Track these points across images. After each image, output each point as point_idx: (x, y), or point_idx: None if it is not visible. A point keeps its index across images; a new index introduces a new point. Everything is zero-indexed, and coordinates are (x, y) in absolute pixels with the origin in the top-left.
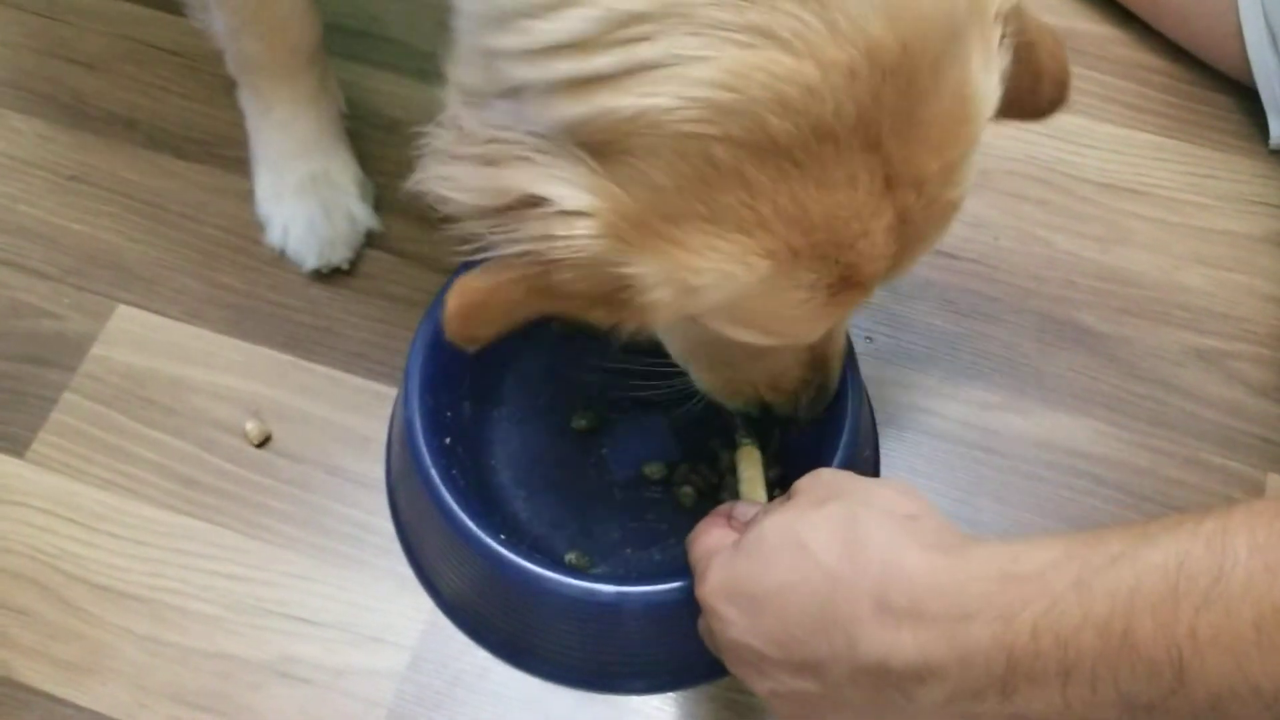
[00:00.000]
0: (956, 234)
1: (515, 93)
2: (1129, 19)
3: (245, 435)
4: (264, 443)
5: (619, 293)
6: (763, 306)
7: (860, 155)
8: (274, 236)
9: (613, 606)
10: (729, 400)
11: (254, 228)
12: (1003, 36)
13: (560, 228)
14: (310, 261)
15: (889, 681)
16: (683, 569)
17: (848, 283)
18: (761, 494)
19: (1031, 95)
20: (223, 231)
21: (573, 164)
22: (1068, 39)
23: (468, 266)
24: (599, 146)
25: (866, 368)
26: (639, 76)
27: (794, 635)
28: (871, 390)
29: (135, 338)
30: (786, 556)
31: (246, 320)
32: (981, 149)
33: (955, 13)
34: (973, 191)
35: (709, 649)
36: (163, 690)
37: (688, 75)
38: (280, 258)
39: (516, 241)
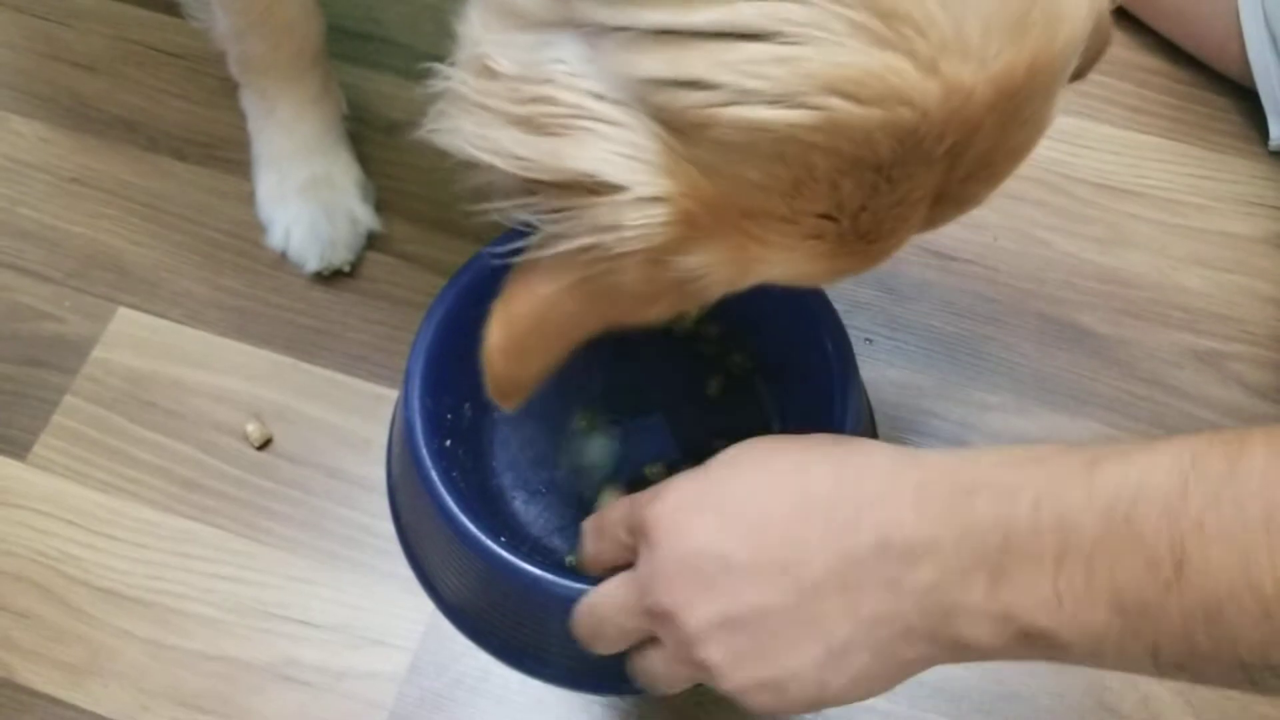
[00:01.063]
0: (955, 235)
1: (585, 35)
2: (1127, 19)
3: (246, 438)
4: (265, 445)
5: (681, 282)
6: (794, 278)
7: (939, 174)
8: (275, 239)
9: None
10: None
11: (255, 230)
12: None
13: (632, 216)
14: (312, 264)
15: (882, 566)
16: None
17: (866, 264)
18: None
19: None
20: (224, 234)
21: (649, 140)
22: None
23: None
24: (683, 124)
25: (866, 369)
26: (741, 46)
27: (777, 526)
28: (871, 392)
29: (136, 340)
30: (777, 461)
31: (248, 322)
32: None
33: (1082, 35)
34: None
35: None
36: (164, 692)
37: (800, 65)
38: (281, 260)
39: (574, 234)
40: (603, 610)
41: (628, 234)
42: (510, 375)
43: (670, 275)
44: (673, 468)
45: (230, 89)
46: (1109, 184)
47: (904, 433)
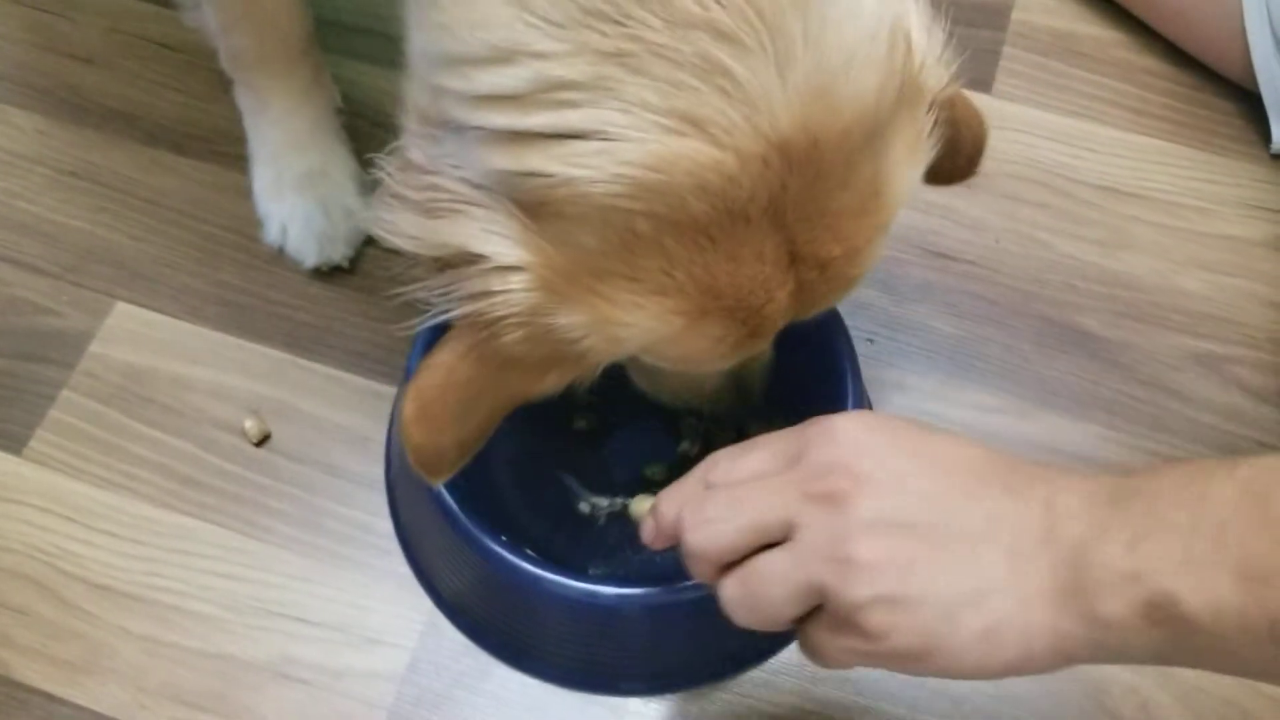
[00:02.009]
0: (957, 237)
1: (458, 132)
2: (1130, 21)
3: (244, 434)
4: (263, 442)
5: (560, 347)
6: (677, 350)
7: (769, 234)
8: (272, 234)
9: (613, 608)
10: (666, 400)
11: (254, 225)
12: (934, 124)
13: (496, 283)
14: (310, 259)
15: (1044, 519)
16: (681, 571)
17: (752, 334)
18: None
19: (946, 165)
20: (222, 229)
21: (506, 219)
22: (1069, 42)
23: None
24: (531, 204)
25: (867, 370)
26: (568, 143)
27: (949, 462)
28: (872, 393)
29: (134, 335)
30: (928, 428)
31: (246, 318)
32: (891, 231)
33: (877, 111)
34: (973, 194)
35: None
36: (161, 690)
37: (616, 153)
38: (280, 255)
39: (458, 300)
40: (753, 508)
41: (496, 299)
42: (428, 444)
43: (549, 340)
44: (672, 468)
45: (228, 83)
46: (1111, 186)
47: None
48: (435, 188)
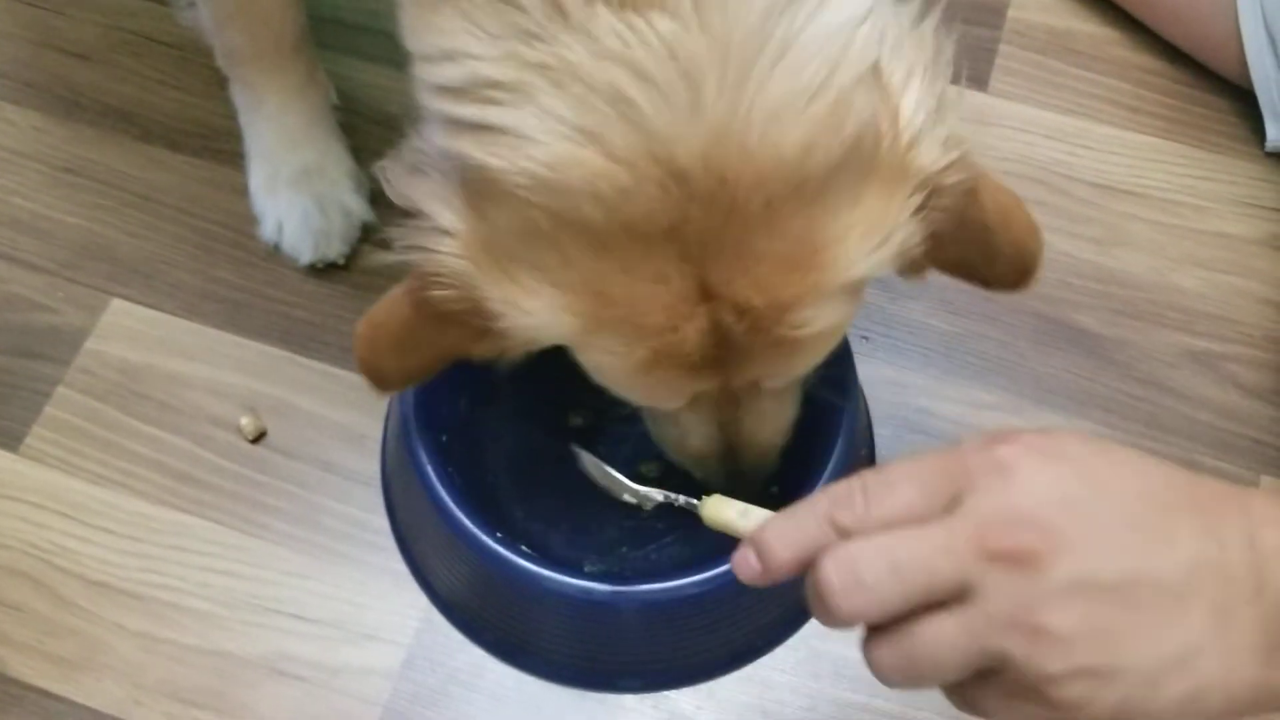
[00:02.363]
0: None
1: (427, 115)
2: (1126, 20)
3: (240, 431)
4: (259, 439)
5: (483, 317)
6: (591, 359)
7: (672, 261)
8: (268, 231)
9: (609, 605)
10: (666, 451)
11: (249, 222)
12: (925, 207)
13: (431, 242)
14: (305, 256)
15: (1248, 561)
16: (677, 567)
17: (663, 363)
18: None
19: (985, 270)
20: (218, 225)
21: (452, 190)
22: (1065, 39)
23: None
24: (470, 182)
25: (862, 367)
26: (491, 135)
27: (1140, 501)
28: (867, 389)
29: (129, 332)
30: (1108, 445)
31: (242, 315)
32: (840, 302)
33: (804, 166)
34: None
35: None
36: (157, 687)
37: (525, 151)
38: (276, 252)
39: (406, 245)
40: (919, 570)
41: (429, 255)
42: (372, 364)
43: (476, 309)
44: (668, 466)
45: (224, 80)
46: (1107, 184)
47: (899, 431)
48: (419, 151)
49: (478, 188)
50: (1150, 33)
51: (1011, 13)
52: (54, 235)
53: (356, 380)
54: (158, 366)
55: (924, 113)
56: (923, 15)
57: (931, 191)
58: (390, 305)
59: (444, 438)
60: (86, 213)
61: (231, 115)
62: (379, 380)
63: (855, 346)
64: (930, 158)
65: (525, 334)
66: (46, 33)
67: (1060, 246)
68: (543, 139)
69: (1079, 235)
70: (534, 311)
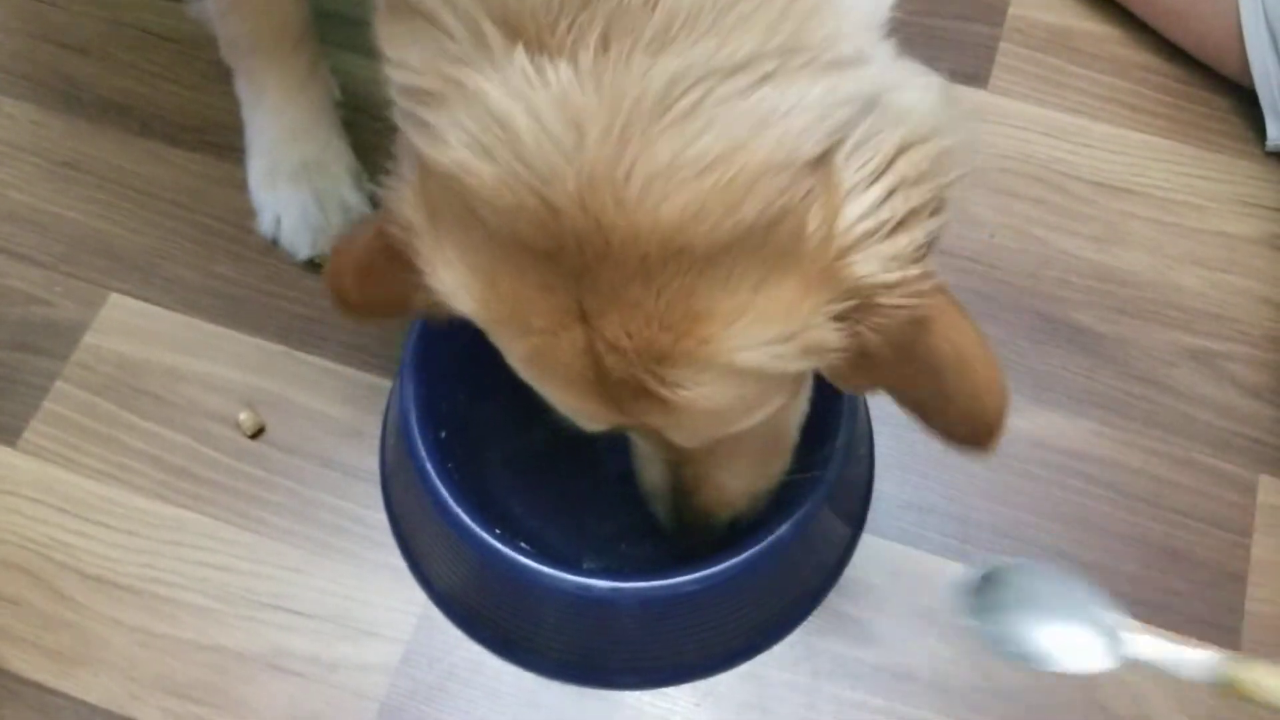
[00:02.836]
0: (952, 231)
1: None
2: (1127, 18)
3: (238, 426)
4: (257, 434)
5: (418, 270)
6: (497, 345)
7: (557, 276)
8: (266, 225)
9: (607, 601)
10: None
11: (248, 216)
12: (851, 318)
13: (394, 182)
14: (303, 251)
15: None
16: (676, 564)
17: (551, 368)
18: None
19: (938, 416)
20: (216, 220)
21: (412, 166)
22: (1065, 38)
23: None
24: (419, 158)
25: None
26: (423, 129)
27: None
28: None
29: (127, 327)
30: None
31: (240, 310)
32: (732, 382)
33: (688, 235)
34: (968, 189)
35: None
36: (154, 682)
37: (441, 149)
38: (274, 247)
39: (385, 187)
40: None
41: (389, 211)
42: (336, 282)
43: (414, 258)
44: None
45: (223, 74)
46: (1106, 182)
47: (899, 428)
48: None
49: (418, 154)
50: (1151, 31)
51: (1012, 10)
52: (52, 229)
53: (356, 376)
54: (156, 361)
55: (869, 223)
56: (937, 127)
57: (861, 305)
58: (360, 232)
59: (443, 434)
60: (84, 207)
61: (230, 110)
62: (343, 302)
63: None
64: (866, 270)
65: (443, 298)
66: (45, 26)
67: (1059, 244)
68: (452, 142)
69: (1078, 233)
70: (447, 281)
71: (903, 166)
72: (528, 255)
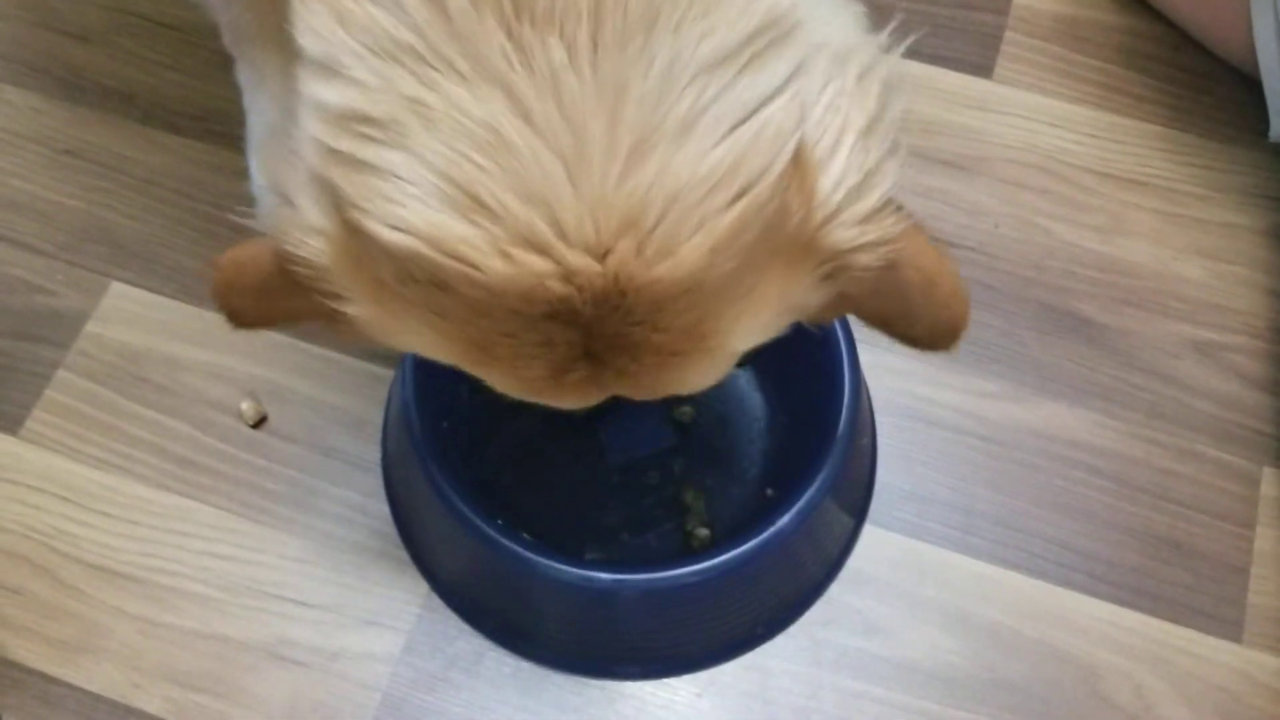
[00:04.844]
0: (956, 222)
1: (302, 116)
2: (1132, 7)
3: (240, 415)
4: (259, 423)
5: (341, 315)
6: (460, 366)
7: (558, 330)
8: (267, 214)
9: (609, 592)
10: None
11: (250, 205)
12: (831, 276)
13: (299, 231)
14: None
15: None
16: (678, 555)
17: (546, 396)
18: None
19: (904, 329)
20: (218, 209)
21: (325, 198)
22: (1071, 27)
23: None
24: (343, 205)
25: (865, 355)
26: (365, 174)
27: None
28: (869, 378)
29: (129, 315)
30: None
31: None
32: (724, 360)
33: (706, 270)
34: (972, 179)
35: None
36: (157, 670)
37: (399, 210)
38: None
39: (274, 224)
40: None
41: (292, 243)
42: (226, 299)
43: (332, 301)
44: (666, 454)
45: (225, 62)
46: (1111, 173)
47: (902, 419)
48: (292, 145)
49: (346, 215)
50: (1156, 20)
51: None
52: (54, 218)
53: (357, 365)
54: (158, 350)
55: (844, 190)
56: (871, 63)
57: (841, 266)
58: (254, 253)
59: (445, 424)
60: (86, 195)
61: (232, 98)
62: (233, 315)
63: (858, 334)
64: (844, 236)
65: (391, 345)
66: (47, 14)
67: (1063, 235)
68: (417, 195)
69: (1082, 224)
70: (406, 340)
71: (857, 119)
72: (522, 320)
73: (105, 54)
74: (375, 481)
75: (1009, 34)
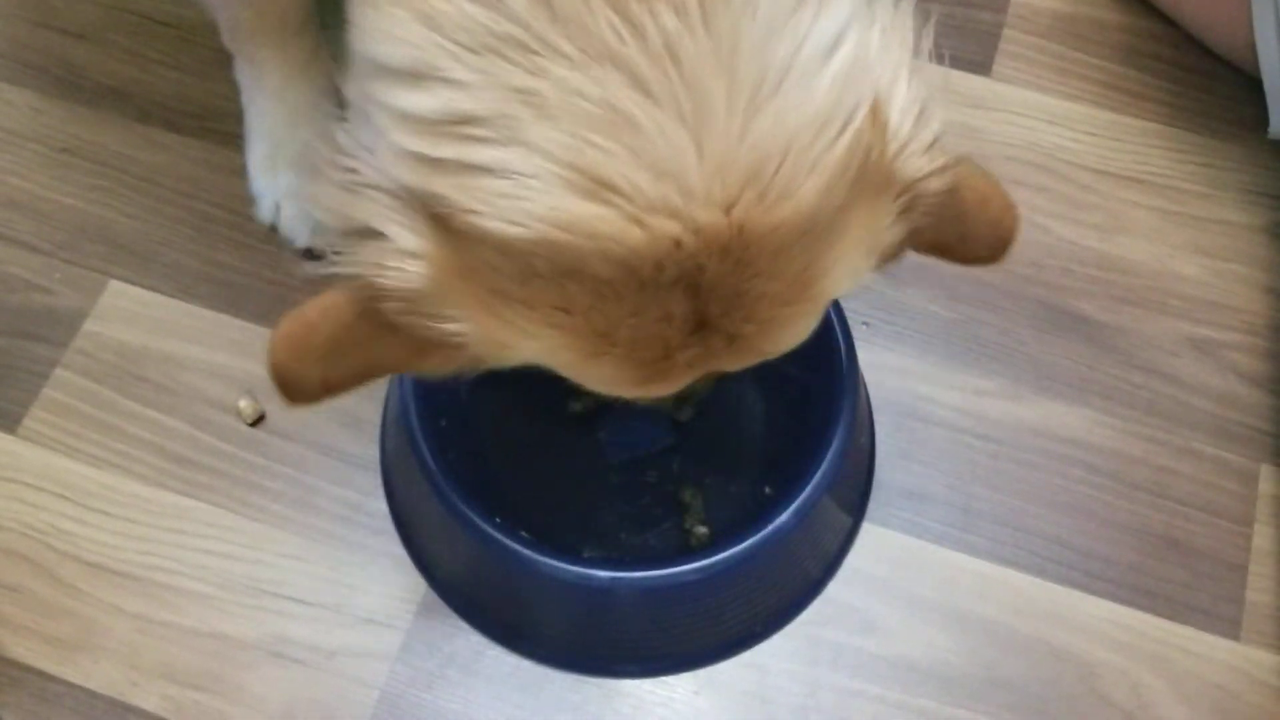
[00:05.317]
0: None
1: (378, 134)
2: (1131, 4)
3: (239, 414)
4: (258, 421)
5: (444, 339)
6: (567, 373)
7: (679, 301)
8: (265, 212)
9: (607, 590)
10: None
11: (248, 203)
12: (906, 210)
13: (393, 261)
14: (302, 239)
15: None
16: (676, 553)
17: (648, 382)
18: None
19: (960, 250)
20: (216, 207)
21: (414, 214)
22: (1069, 24)
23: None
24: (442, 216)
25: (863, 353)
26: (475, 177)
27: None
28: (868, 376)
29: (127, 314)
30: None
31: (240, 297)
32: (820, 312)
33: (819, 211)
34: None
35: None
36: (154, 669)
37: (520, 202)
38: (275, 234)
39: (353, 264)
40: None
41: (388, 275)
42: (292, 367)
43: (432, 330)
44: (665, 453)
45: (223, 60)
46: (1109, 170)
47: (900, 417)
48: (352, 170)
49: (454, 224)
50: (1155, 18)
51: None
52: (51, 216)
53: None
54: (156, 348)
55: (910, 121)
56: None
57: (914, 199)
58: (326, 307)
59: (443, 422)
60: (84, 193)
61: (230, 96)
62: (293, 387)
63: (856, 333)
64: (914, 166)
65: (496, 361)
66: (44, 12)
67: (1062, 233)
68: (540, 187)
69: (1081, 221)
70: (521, 346)
71: (905, 53)
72: (649, 293)
73: (103, 52)
74: (374, 480)
75: (1007, 31)
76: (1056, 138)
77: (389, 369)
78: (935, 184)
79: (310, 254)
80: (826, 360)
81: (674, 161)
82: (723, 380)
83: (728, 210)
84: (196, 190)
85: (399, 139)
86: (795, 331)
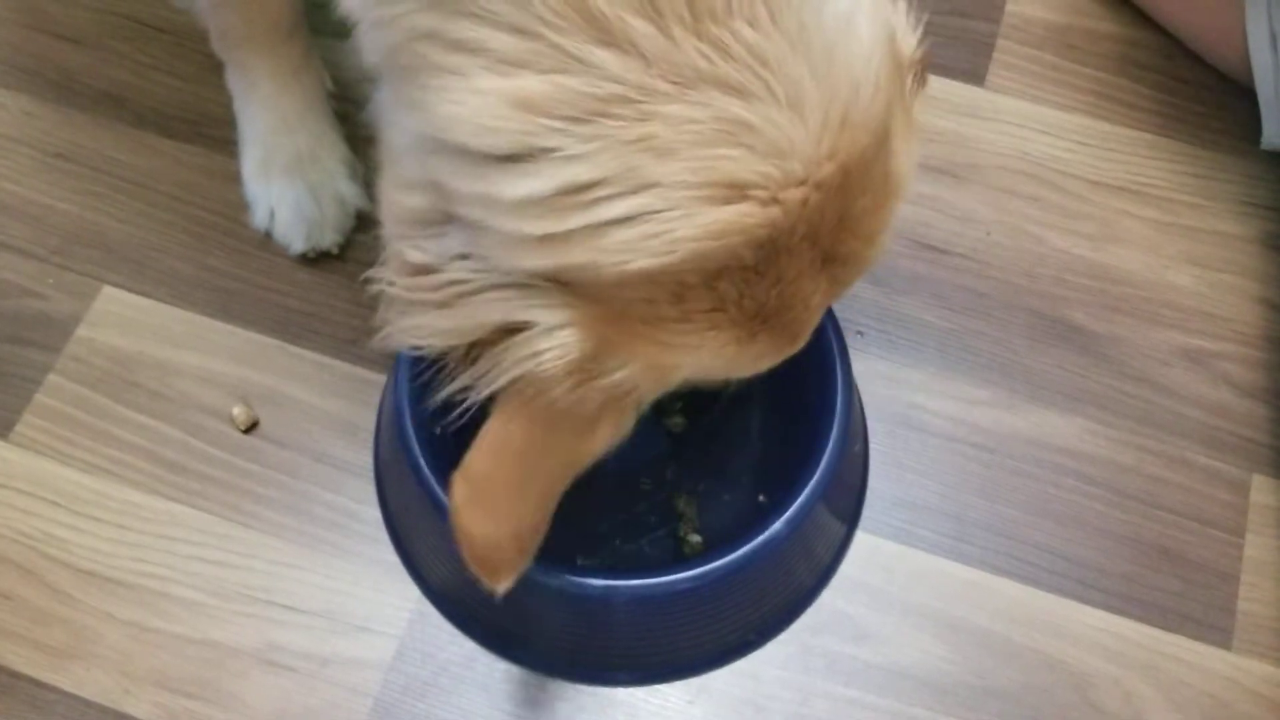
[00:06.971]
0: (948, 229)
1: (472, 230)
2: (1125, 15)
3: (232, 420)
4: (251, 428)
5: (609, 392)
6: (723, 371)
7: (807, 253)
8: (259, 219)
9: (601, 599)
10: None
11: (242, 209)
12: (915, 80)
13: (544, 343)
14: (298, 245)
15: None
16: (670, 561)
17: (793, 339)
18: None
19: None
20: (210, 213)
21: (547, 291)
22: (1063, 35)
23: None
24: (575, 283)
25: (857, 363)
26: (612, 232)
27: None
28: (861, 385)
29: (121, 320)
30: None
31: (234, 304)
32: (900, 199)
33: (883, 120)
34: (964, 186)
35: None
36: (147, 676)
37: (666, 233)
38: (269, 240)
39: (506, 370)
40: None
41: (547, 356)
42: (485, 535)
43: (601, 388)
44: (659, 461)
45: (218, 66)
46: (1103, 181)
47: (894, 426)
48: (451, 283)
49: (587, 279)
50: (1150, 29)
51: (1010, 7)
52: (45, 221)
53: (349, 370)
54: (149, 355)
55: (900, 11)
56: None
57: (915, 77)
58: (491, 445)
59: (437, 430)
60: (78, 199)
61: (224, 102)
62: (495, 558)
63: (850, 342)
64: (909, 44)
65: (659, 389)
66: (38, 17)
67: (1055, 243)
68: (682, 214)
69: (1074, 232)
70: (686, 362)
71: None
72: (786, 257)
73: (97, 57)
74: (367, 487)
75: (1001, 42)
76: (1050, 148)
77: (570, 470)
78: (920, 51)
79: (306, 259)
80: (820, 369)
81: (787, 141)
82: (719, 390)
83: (834, 158)
84: (190, 196)
85: (514, 227)
86: (888, 232)
